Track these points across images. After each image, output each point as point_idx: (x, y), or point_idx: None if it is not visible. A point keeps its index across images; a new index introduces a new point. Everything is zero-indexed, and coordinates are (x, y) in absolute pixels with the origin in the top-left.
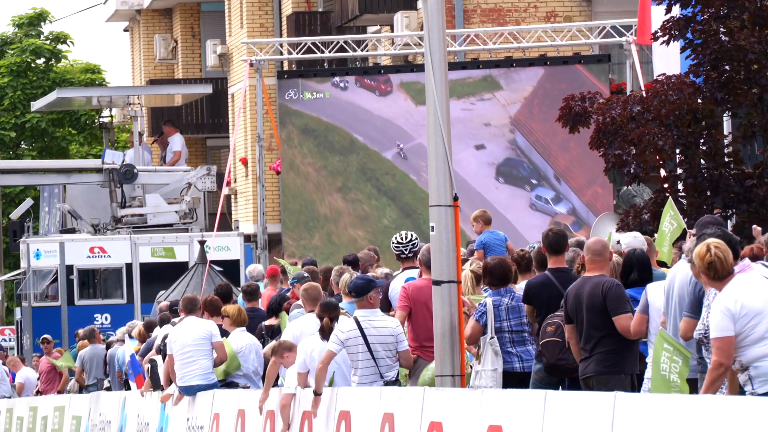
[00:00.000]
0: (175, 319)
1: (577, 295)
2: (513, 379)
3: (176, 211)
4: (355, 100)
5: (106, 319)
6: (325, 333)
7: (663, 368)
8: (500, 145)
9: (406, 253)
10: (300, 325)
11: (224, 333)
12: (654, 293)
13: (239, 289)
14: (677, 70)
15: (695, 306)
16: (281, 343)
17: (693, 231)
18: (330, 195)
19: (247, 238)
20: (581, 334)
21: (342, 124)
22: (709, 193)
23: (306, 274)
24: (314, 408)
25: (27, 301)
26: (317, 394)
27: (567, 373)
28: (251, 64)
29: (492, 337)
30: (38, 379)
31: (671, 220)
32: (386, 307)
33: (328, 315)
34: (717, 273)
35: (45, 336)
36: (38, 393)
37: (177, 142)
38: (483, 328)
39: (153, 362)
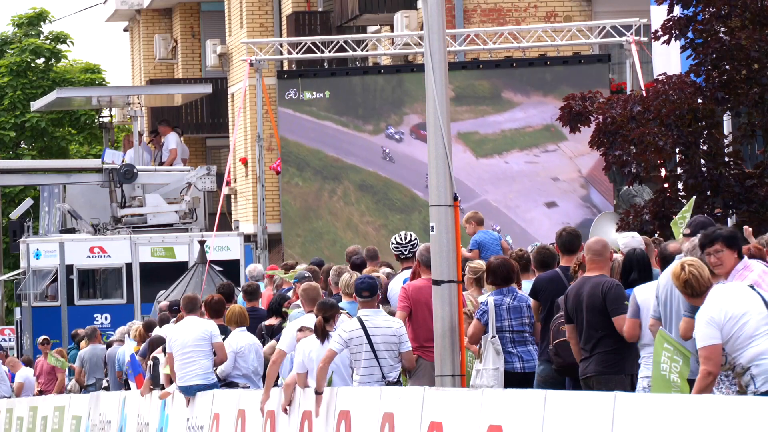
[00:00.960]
0: (173, 320)
1: (577, 294)
2: (514, 380)
3: (176, 211)
4: (412, 152)
5: (106, 319)
6: (319, 332)
7: (663, 368)
8: (572, 201)
9: (406, 253)
10: (299, 325)
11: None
12: (642, 296)
13: (239, 288)
14: (677, 69)
15: (694, 306)
16: (307, 327)
17: (687, 231)
18: (392, 256)
19: (247, 238)
20: (581, 333)
21: (401, 180)
22: (709, 193)
23: (307, 274)
24: (317, 407)
25: (27, 301)
26: (318, 393)
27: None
28: (251, 64)
29: (493, 336)
30: (36, 379)
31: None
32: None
33: (323, 314)
34: (694, 290)
35: (44, 337)
36: (40, 393)
37: (172, 141)
38: (484, 327)
39: (155, 360)
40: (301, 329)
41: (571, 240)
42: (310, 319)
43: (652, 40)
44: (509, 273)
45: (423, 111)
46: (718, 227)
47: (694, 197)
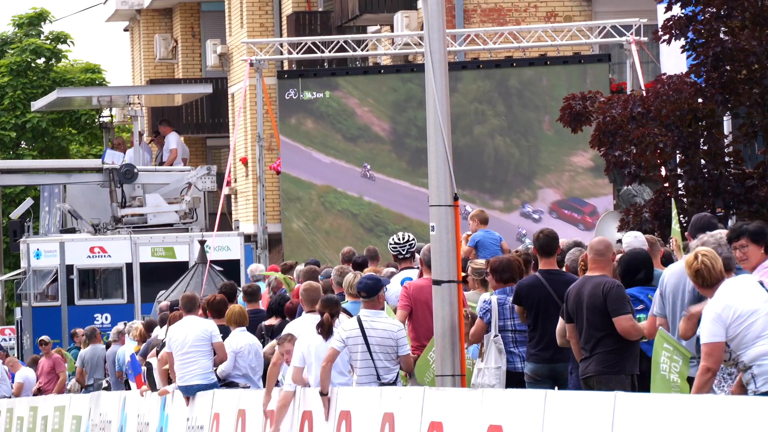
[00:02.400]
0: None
1: (578, 294)
2: (515, 379)
3: (176, 211)
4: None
5: (106, 319)
6: (325, 328)
7: (663, 368)
8: None
9: (404, 253)
10: (299, 325)
11: (225, 331)
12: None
13: (240, 289)
14: (684, 68)
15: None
16: (285, 336)
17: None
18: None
19: (247, 238)
20: (581, 333)
21: None
22: (710, 194)
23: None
24: (325, 410)
25: (27, 300)
26: (323, 394)
27: None
28: (251, 64)
29: (496, 335)
30: (37, 378)
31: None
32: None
33: (329, 311)
34: (704, 281)
35: (42, 338)
36: (39, 391)
37: (172, 140)
38: (487, 326)
39: (149, 365)
40: (280, 341)
41: (548, 242)
42: (310, 319)
43: (656, 40)
44: (513, 272)
45: (557, 183)
46: (745, 222)
47: (674, 202)
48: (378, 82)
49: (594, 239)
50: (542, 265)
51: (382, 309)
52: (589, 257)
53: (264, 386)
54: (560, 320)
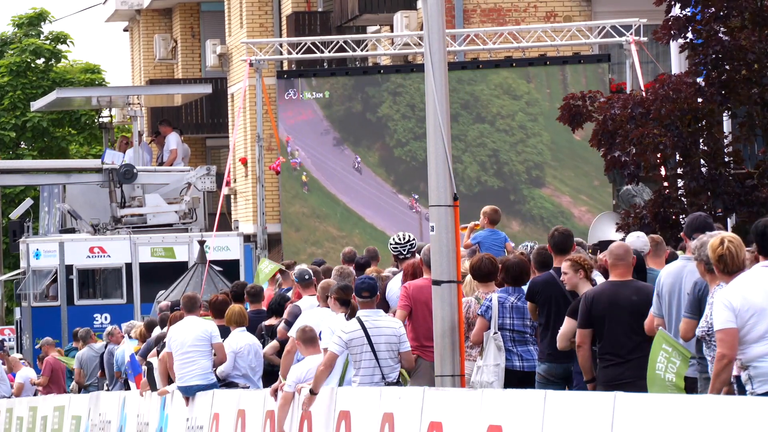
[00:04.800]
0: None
1: (613, 298)
2: (513, 378)
3: (176, 211)
4: None
5: (105, 319)
6: (353, 313)
7: (659, 368)
8: None
9: (404, 253)
10: (313, 318)
11: (225, 332)
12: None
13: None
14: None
15: (695, 306)
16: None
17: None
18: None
19: (247, 238)
20: (612, 339)
21: None
22: (709, 194)
23: (307, 276)
24: (306, 406)
25: (27, 301)
26: (314, 393)
27: None
28: (251, 64)
29: (495, 332)
30: (40, 374)
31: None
32: (383, 307)
33: (348, 296)
34: (727, 267)
35: (40, 344)
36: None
37: (173, 141)
38: (489, 322)
39: (149, 365)
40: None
41: (563, 240)
42: (323, 313)
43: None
44: (521, 274)
45: None
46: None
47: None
48: (588, 178)
49: (613, 244)
50: (557, 263)
51: (380, 309)
52: (610, 262)
53: (263, 387)
54: (567, 321)
